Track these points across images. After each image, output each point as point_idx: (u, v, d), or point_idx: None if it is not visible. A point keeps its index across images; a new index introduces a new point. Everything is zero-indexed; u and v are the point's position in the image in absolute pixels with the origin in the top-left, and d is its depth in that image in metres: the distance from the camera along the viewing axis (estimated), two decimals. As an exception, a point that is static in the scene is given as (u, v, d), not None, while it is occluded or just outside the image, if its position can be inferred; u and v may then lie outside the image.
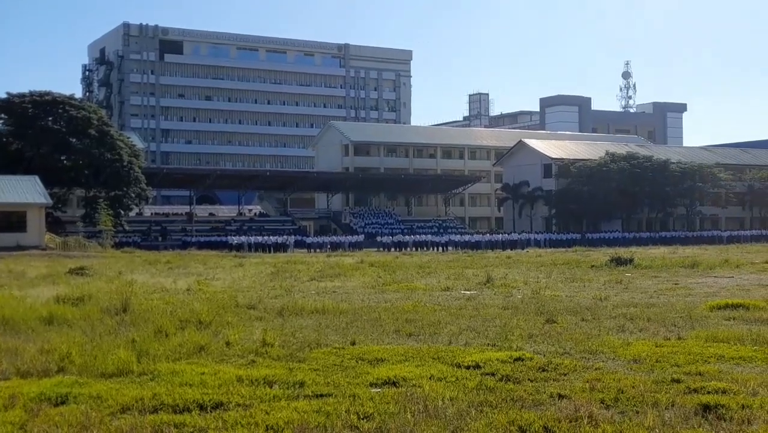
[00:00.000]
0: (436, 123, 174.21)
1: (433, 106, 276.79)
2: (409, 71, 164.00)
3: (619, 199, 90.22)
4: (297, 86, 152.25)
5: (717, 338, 13.79)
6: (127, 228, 74.25)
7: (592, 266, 36.43)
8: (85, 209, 71.32)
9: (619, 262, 36.52)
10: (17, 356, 12.35)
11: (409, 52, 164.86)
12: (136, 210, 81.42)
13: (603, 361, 11.95)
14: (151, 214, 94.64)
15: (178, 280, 29.05)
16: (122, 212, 72.61)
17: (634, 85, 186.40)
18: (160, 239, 78.10)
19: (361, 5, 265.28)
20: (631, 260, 37.05)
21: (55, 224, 66.68)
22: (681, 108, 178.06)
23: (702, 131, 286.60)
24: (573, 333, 14.64)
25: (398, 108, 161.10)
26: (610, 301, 20.49)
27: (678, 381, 10.35)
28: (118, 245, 65.21)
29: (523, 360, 11.76)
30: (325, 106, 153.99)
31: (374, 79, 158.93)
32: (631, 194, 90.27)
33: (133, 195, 72.96)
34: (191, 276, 31.82)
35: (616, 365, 11.65)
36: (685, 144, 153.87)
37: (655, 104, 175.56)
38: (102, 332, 14.84)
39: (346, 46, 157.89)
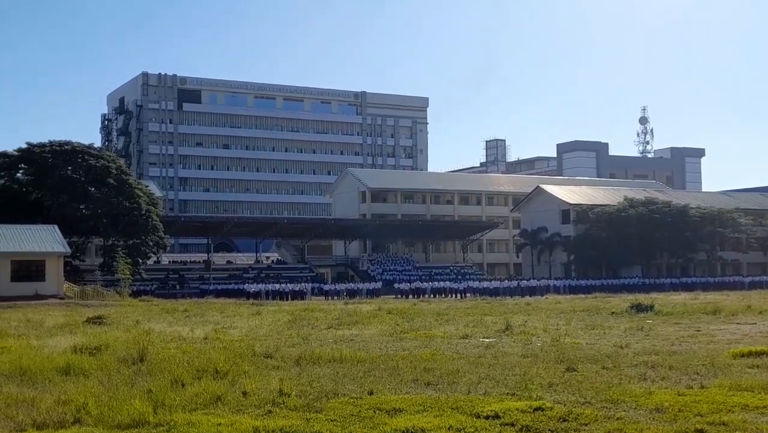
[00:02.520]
0: (453, 169, 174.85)
1: (449, 152, 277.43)
2: (426, 118, 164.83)
3: (638, 245, 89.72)
4: (314, 134, 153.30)
5: (741, 386, 13.58)
6: (144, 276, 74.44)
7: (612, 312, 36.17)
8: (104, 258, 71.56)
9: (639, 308, 36.21)
10: (34, 407, 12.31)
11: (426, 99, 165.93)
12: (153, 258, 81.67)
13: (624, 410, 11.77)
14: (169, 262, 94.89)
15: (196, 328, 28.97)
16: (140, 261, 72.82)
17: (652, 131, 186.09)
18: (177, 287, 78.22)
19: (377, 53, 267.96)
20: (651, 307, 36.73)
21: (73, 273, 66.91)
22: (699, 153, 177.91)
23: (721, 176, 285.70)
24: (594, 382, 14.47)
25: (415, 154, 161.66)
26: (631, 348, 20.27)
27: (701, 431, 10.19)
28: (135, 294, 65.28)
29: (543, 410, 11.60)
30: (342, 154, 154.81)
31: (391, 126, 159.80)
32: (650, 240, 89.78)
33: (151, 243, 73.16)
34: (208, 324, 31.74)
35: (637, 414, 11.47)
36: (703, 189, 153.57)
37: (673, 149, 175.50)
38: (118, 382, 14.78)
39: (363, 93, 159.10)
